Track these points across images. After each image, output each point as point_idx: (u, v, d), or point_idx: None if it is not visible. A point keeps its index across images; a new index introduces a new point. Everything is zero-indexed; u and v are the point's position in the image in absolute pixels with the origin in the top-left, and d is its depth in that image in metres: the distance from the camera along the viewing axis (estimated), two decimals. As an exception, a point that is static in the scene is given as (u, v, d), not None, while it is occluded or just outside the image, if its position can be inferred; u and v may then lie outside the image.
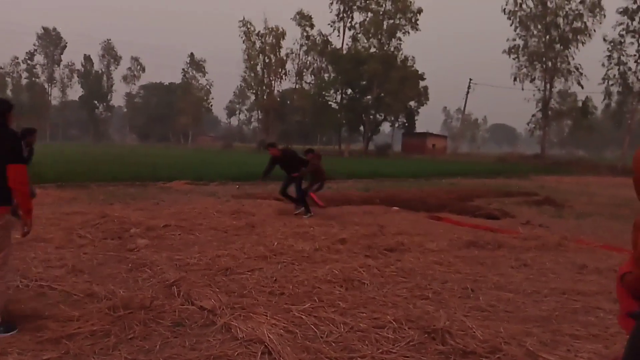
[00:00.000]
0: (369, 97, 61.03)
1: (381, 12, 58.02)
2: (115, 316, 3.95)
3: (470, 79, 64.84)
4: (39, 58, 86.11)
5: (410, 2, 56.84)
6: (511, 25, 47.87)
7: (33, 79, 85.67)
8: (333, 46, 64.06)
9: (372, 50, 59.31)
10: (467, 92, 64.72)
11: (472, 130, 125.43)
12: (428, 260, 6.39)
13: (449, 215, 11.07)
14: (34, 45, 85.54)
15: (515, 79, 48.99)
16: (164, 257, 6.04)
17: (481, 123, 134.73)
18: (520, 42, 48.41)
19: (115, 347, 3.50)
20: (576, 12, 45.27)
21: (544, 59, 47.61)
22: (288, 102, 73.90)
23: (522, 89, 48.89)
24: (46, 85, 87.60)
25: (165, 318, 4.06)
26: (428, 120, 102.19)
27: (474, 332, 3.80)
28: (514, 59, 48.87)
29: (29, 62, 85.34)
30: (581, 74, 46.54)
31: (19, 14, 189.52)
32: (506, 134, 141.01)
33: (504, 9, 47.47)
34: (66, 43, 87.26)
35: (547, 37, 47.01)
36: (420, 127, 73.67)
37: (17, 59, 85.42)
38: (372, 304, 4.55)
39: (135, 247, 6.52)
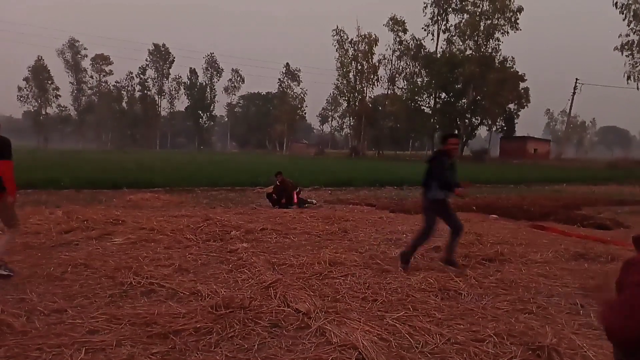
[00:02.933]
0: (464, 100, 59.06)
1: (478, 13, 55.93)
2: (217, 314, 4.16)
3: (577, 79, 60.32)
4: (150, 72, 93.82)
5: (510, 1, 54.18)
6: (624, 19, 43.80)
7: (145, 91, 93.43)
8: (427, 50, 62.94)
9: (468, 52, 57.37)
10: (573, 93, 60.27)
11: (578, 133, 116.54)
12: (531, 272, 6.02)
13: (553, 224, 10.35)
14: (146, 60, 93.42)
15: (628, 78, 44.68)
16: (261, 259, 6.27)
17: (589, 126, 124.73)
18: (635, 37, 44.15)
19: (216, 345, 3.68)
20: None
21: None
22: (380, 107, 73.65)
23: (638, 89, 44.45)
24: (156, 98, 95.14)
25: (262, 318, 4.20)
26: (529, 123, 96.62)
27: (585, 352, 3.51)
28: (627, 56, 44.62)
29: (141, 76, 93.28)
30: None
31: (134, 33, 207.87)
32: (618, 137, 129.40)
33: (616, 2, 43.61)
34: (174, 58, 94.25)
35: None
36: (520, 131, 69.86)
37: (132, 73, 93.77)
38: (470, 316, 4.37)
39: (236, 248, 6.83)
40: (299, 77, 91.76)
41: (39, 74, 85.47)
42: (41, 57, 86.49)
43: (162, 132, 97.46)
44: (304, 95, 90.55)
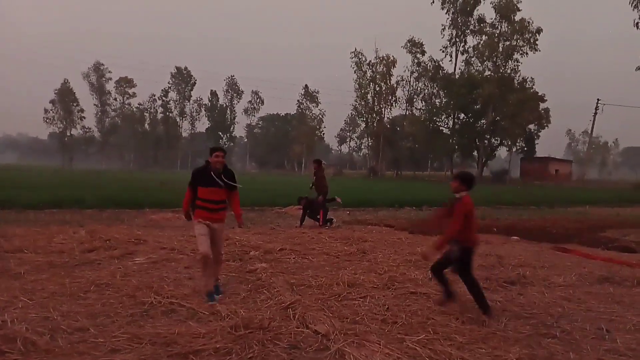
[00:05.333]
0: (483, 121, 58.72)
1: (496, 35, 55.97)
2: (236, 335, 4.17)
3: (598, 99, 59.55)
4: (172, 94, 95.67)
5: (528, 22, 54.16)
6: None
7: (167, 113, 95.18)
8: (445, 71, 63.01)
9: (487, 73, 57.26)
10: (595, 113, 59.41)
11: (601, 154, 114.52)
12: (554, 295, 5.90)
13: (577, 247, 10.15)
14: (168, 83, 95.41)
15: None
16: (280, 279, 6.28)
17: (612, 146, 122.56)
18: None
19: (236, 365, 3.68)
20: None
21: (689, 73, 42.30)
22: (398, 128, 73.69)
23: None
24: (178, 119, 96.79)
25: (281, 340, 4.19)
26: (550, 144, 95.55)
27: (612, 378, 3.41)
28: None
29: (163, 98, 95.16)
30: None
31: (155, 56, 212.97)
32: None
33: (637, 22, 43.27)
34: (195, 80, 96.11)
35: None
36: (541, 152, 69.14)
37: (154, 95, 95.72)
38: (492, 340, 4.30)
39: (255, 269, 6.85)
40: (317, 98, 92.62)
41: (65, 97, 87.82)
42: (67, 80, 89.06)
43: (183, 153, 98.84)
44: (322, 116, 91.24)
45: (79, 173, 47.85)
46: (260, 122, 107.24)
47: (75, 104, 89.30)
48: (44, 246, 7.93)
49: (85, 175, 39.68)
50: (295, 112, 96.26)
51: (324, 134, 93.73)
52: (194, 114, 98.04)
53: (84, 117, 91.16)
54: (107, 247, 8.03)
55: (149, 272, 6.60)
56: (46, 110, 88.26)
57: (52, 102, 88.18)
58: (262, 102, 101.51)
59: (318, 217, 12.17)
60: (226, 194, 5.59)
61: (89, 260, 7.18)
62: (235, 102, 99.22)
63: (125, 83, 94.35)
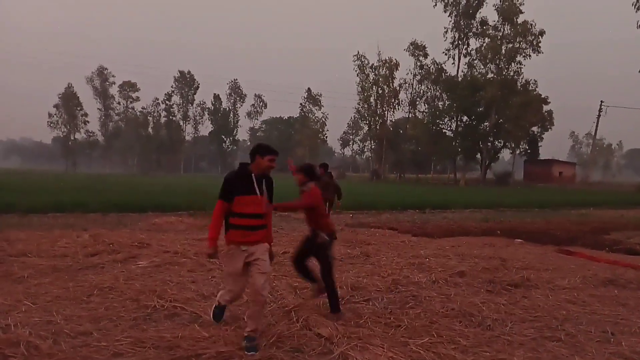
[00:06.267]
0: (486, 123, 58.63)
1: (499, 37, 55.93)
2: (239, 339, 4.16)
3: (602, 101, 59.43)
4: (176, 98, 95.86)
5: (531, 25, 54.11)
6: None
7: (170, 117, 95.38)
8: (447, 74, 62.97)
9: (490, 75, 57.19)
10: (598, 116, 59.34)
11: (605, 156, 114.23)
12: (559, 298, 5.87)
13: (581, 249, 10.10)
14: (172, 87, 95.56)
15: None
16: (283, 282, 6.27)
17: (616, 149, 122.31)
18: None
19: (239, 368, 3.67)
20: None
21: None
22: (401, 131, 73.60)
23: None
24: (181, 123, 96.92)
25: (285, 343, 4.18)
26: (554, 146, 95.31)
27: (617, 382, 3.39)
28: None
29: (167, 102, 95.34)
30: None
31: (158, 60, 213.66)
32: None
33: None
34: (199, 84, 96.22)
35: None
36: (544, 154, 68.94)
37: (157, 99, 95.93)
38: (496, 343, 4.28)
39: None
40: (319, 101, 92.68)
41: (69, 101, 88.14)
42: (71, 84, 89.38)
43: (187, 157, 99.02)
44: (325, 119, 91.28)
45: (83, 177, 47.99)
46: (263, 126, 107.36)
47: (79, 108, 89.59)
48: (48, 250, 7.94)
49: (89, 180, 39.78)
50: (298, 115, 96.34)
51: (326, 137, 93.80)
52: (197, 117, 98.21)
53: (88, 122, 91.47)
54: (110, 251, 8.04)
55: (152, 275, 6.59)
56: (50, 115, 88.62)
57: (56, 106, 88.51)
58: (265, 106, 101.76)
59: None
60: None
61: (92, 264, 7.19)
62: (239, 105, 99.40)
63: (128, 87, 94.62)
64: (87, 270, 6.83)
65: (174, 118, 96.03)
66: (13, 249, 7.87)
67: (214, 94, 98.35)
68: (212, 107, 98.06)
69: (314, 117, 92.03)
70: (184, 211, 15.55)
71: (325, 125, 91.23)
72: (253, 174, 4.15)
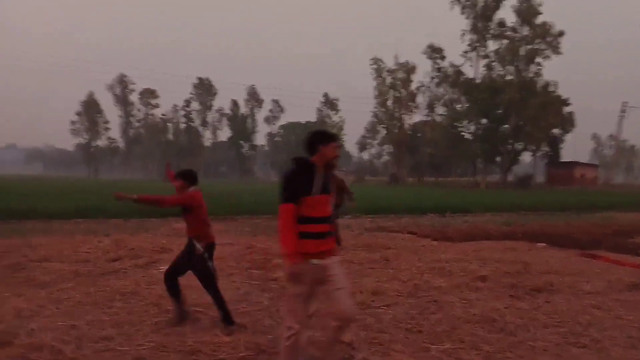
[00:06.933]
0: (506, 126, 57.93)
1: (517, 39, 55.31)
2: (260, 344, 4.16)
3: (625, 102, 58.24)
4: (195, 105, 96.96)
5: (550, 25, 53.41)
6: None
7: (189, 123, 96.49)
8: (465, 76, 62.47)
9: (509, 77, 56.55)
10: (621, 117, 58.12)
11: (627, 158, 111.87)
12: (583, 303, 5.74)
13: (605, 253, 9.88)
14: (191, 93, 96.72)
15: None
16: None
17: (639, 150, 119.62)
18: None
19: (260, 374, 3.66)
20: None
21: None
22: (419, 134, 73.20)
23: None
24: (200, 129, 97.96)
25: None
26: (575, 148, 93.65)
27: (647, 389, 3.29)
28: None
29: (186, 108, 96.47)
30: None
31: (177, 67, 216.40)
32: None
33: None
34: (217, 90, 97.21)
35: None
36: (566, 156, 67.79)
37: (177, 106, 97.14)
38: (519, 349, 4.20)
39: (278, 277, 6.85)
40: (337, 105, 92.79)
41: (90, 108, 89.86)
42: (92, 92, 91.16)
43: (206, 162, 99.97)
44: (342, 123, 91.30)
45: (105, 183, 48.75)
46: (281, 130, 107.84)
47: (100, 115, 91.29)
48: (70, 255, 8.06)
49: (110, 185, 40.38)
50: (315, 119, 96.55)
51: (344, 141, 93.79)
52: (216, 123, 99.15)
53: (109, 128, 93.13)
54: (132, 255, 8.13)
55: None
56: (72, 122, 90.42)
57: (78, 113, 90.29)
58: (282, 111, 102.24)
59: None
60: None
61: (114, 269, 7.28)
62: (256, 110, 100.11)
63: (148, 94, 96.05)
64: (109, 275, 6.92)
65: (192, 124, 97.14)
66: (35, 255, 8.02)
67: (232, 99, 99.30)
68: (231, 113, 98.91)
69: (331, 122, 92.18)
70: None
71: (343, 129, 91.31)
72: (317, 169, 3.41)
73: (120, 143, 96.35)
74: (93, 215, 15.07)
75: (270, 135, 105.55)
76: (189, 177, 4.94)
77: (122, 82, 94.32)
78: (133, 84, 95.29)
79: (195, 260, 4.68)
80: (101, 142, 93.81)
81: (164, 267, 7.32)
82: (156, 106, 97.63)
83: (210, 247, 4.80)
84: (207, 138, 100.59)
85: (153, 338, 4.31)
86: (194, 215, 4.74)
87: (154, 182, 63.01)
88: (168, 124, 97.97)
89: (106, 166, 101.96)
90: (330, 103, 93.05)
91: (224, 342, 4.20)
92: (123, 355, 3.94)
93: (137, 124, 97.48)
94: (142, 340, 4.26)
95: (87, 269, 7.17)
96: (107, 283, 6.35)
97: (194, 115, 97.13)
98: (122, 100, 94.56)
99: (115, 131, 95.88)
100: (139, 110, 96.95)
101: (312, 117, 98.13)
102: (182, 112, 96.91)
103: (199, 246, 4.69)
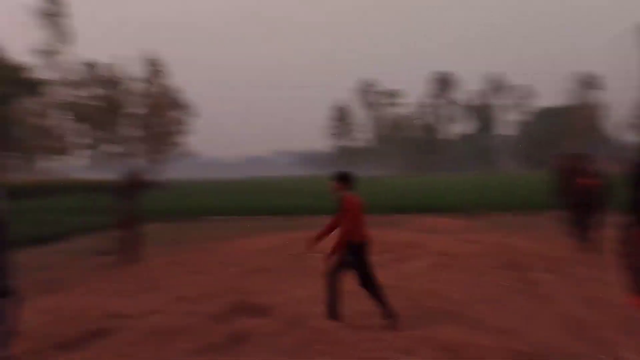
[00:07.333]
0: None
1: None
2: (518, 352, 3.91)
3: None
4: (435, 99, 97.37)
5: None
6: None
7: (433, 118, 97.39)
8: None
9: None
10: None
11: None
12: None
13: None
14: (431, 89, 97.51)
15: None
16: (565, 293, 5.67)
17: None
18: None
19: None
20: None
21: None
22: None
23: None
24: (441, 123, 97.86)
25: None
26: None
27: None
28: None
29: (428, 104, 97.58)
30: None
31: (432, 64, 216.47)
32: None
33: None
34: (456, 83, 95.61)
35: None
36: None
37: (420, 103, 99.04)
38: None
39: (538, 279, 6.34)
40: (596, 85, 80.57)
41: (343, 113, 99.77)
42: (344, 98, 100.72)
43: (450, 157, 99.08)
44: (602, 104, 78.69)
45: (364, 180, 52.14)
46: (530, 118, 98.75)
47: (351, 119, 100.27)
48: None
49: (369, 183, 42.89)
50: (569, 103, 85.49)
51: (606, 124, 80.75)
52: (458, 116, 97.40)
53: (360, 129, 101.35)
54: (381, 251, 8.44)
55: (427, 275, 6.77)
56: (328, 127, 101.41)
57: (334, 117, 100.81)
58: (532, 96, 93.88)
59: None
60: None
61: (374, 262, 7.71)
62: (500, 99, 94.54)
63: (393, 95, 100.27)
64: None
65: (435, 119, 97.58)
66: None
67: (473, 90, 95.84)
68: (472, 105, 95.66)
69: (587, 104, 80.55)
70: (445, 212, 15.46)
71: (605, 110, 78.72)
72: None
73: (372, 142, 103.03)
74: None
75: (520, 124, 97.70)
76: (345, 180, 4.84)
77: (369, 86, 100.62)
78: (378, 87, 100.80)
79: (352, 261, 4.73)
80: (353, 143, 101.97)
81: (419, 263, 7.48)
82: (400, 105, 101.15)
83: (361, 246, 4.75)
84: (450, 132, 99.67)
85: (413, 332, 4.35)
86: (347, 219, 4.70)
87: (410, 177, 64.39)
88: (414, 121, 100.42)
89: (361, 165, 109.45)
90: (586, 83, 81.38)
91: (486, 346, 4.03)
92: (386, 346, 4.08)
93: (384, 123, 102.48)
94: (401, 334, 4.34)
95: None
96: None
97: (434, 110, 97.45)
98: (369, 103, 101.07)
99: (365, 131, 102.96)
100: (385, 110, 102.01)
101: (566, 101, 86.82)
102: (425, 109, 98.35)
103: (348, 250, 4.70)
